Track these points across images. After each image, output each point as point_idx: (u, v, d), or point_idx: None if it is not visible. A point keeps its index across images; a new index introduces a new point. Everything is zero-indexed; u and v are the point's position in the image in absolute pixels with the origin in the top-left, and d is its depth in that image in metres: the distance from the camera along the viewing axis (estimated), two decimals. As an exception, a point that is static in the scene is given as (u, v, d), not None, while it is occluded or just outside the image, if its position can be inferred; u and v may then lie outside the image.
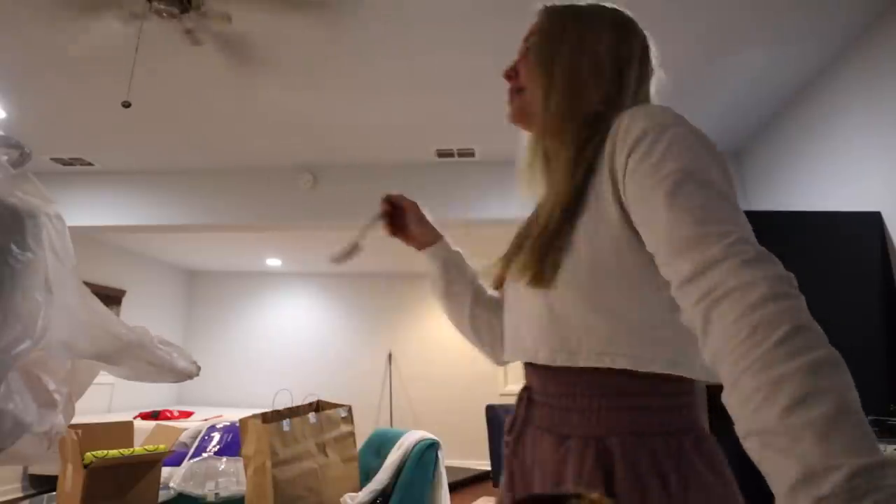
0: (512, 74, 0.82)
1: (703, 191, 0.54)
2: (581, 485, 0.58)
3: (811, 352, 0.43)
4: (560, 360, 0.65)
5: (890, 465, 0.38)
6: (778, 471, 0.41)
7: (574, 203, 0.66)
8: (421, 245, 0.96)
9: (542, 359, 0.67)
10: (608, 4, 0.79)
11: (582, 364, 0.63)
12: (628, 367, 0.62)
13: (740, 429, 0.45)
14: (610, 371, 0.63)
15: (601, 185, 0.64)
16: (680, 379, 0.63)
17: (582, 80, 0.73)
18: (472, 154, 3.76)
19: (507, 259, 0.77)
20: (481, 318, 0.91)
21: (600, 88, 0.73)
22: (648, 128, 0.59)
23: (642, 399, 0.63)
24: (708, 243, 0.51)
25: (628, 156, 0.60)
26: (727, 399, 0.47)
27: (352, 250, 0.88)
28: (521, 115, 0.82)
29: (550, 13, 0.80)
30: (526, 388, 0.76)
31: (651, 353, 0.62)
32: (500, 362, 0.89)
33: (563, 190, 0.68)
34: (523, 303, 0.72)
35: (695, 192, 0.54)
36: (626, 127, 0.62)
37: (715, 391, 0.51)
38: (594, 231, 0.63)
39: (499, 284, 0.83)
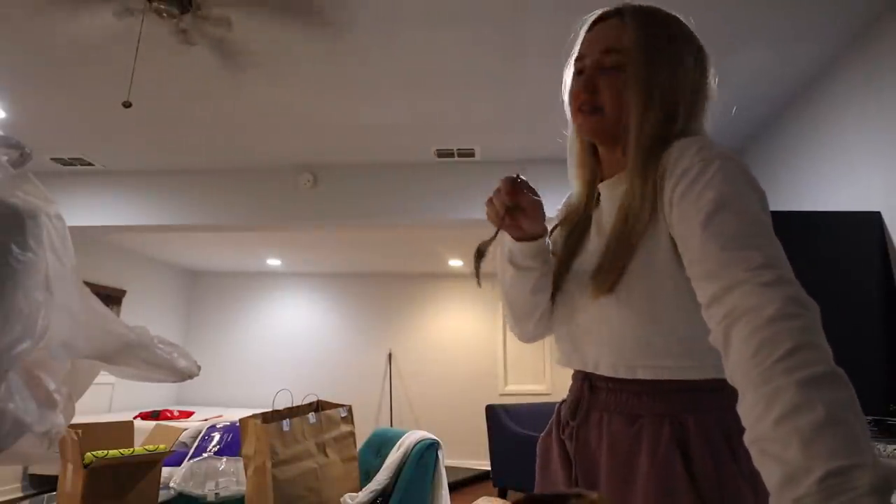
0: (590, 89, 0.76)
1: (737, 219, 0.58)
2: (657, 459, 0.64)
3: (808, 368, 0.46)
4: (621, 374, 0.70)
5: (868, 467, 0.40)
6: (769, 475, 0.45)
7: (646, 223, 0.69)
8: (528, 236, 0.78)
9: (602, 371, 0.72)
10: (680, 17, 0.81)
11: (640, 377, 0.69)
12: (683, 378, 0.68)
13: (746, 437, 0.49)
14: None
15: (661, 208, 0.68)
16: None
17: (676, 104, 0.73)
18: (472, 154, 3.76)
19: (565, 266, 0.81)
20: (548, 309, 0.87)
21: (685, 112, 0.73)
22: (696, 160, 0.64)
23: (701, 392, 0.69)
24: (733, 267, 0.55)
25: (675, 184, 0.65)
26: (739, 410, 0.51)
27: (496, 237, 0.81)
28: (594, 134, 0.79)
29: (641, 25, 0.76)
30: (584, 376, 0.77)
31: (700, 363, 0.68)
32: (532, 340, 0.90)
33: (638, 208, 0.69)
34: (582, 313, 0.76)
35: (729, 220, 0.58)
36: (677, 158, 0.66)
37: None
38: (654, 251, 0.68)
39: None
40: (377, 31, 2.49)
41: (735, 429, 0.63)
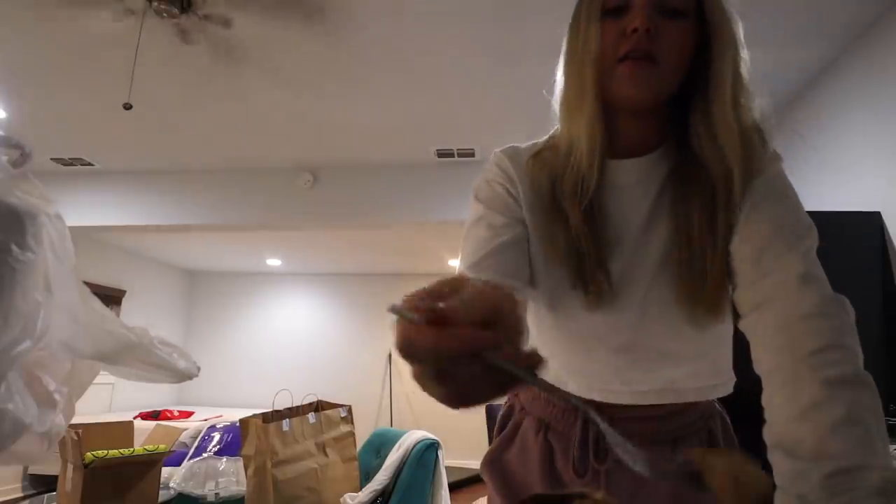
0: (650, 31, 0.55)
1: (782, 207, 0.60)
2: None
3: (835, 368, 0.45)
4: (668, 399, 0.66)
5: (878, 469, 0.39)
6: (779, 468, 0.45)
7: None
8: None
9: (649, 400, 0.65)
10: None
11: (689, 400, 0.67)
12: (721, 395, 0.69)
13: (766, 428, 0.48)
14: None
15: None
16: None
17: (746, 82, 0.61)
18: (472, 154, 3.76)
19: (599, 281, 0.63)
20: None
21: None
22: (786, 191, 0.62)
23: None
24: (774, 253, 0.55)
25: (756, 203, 0.59)
26: (763, 400, 0.50)
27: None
28: (643, 96, 0.59)
29: None
30: (598, 408, 0.65)
31: (730, 376, 0.68)
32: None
33: (733, 205, 0.58)
34: (660, 338, 0.64)
35: (777, 206, 0.60)
36: (771, 183, 0.61)
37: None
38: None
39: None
40: (377, 31, 2.49)
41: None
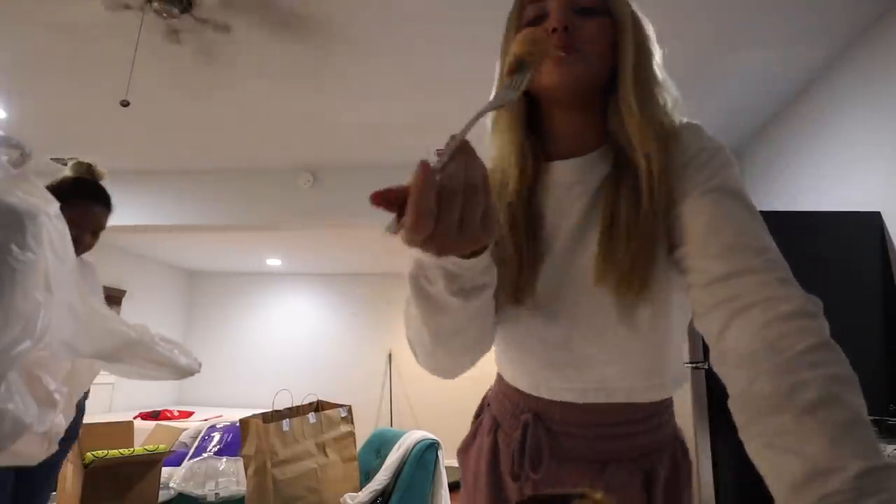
0: (567, 25, 0.60)
1: (747, 211, 0.56)
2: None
3: (834, 366, 0.44)
4: (601, 398, 0.65)
5: (895, 468, 0.39)
6: (781, 469, 0.42)
7: (664, 212, 0.60)
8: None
9: (620, 397, 0.65)
10: None
11: (662, 397, 0.68)
12: (656, 398, 0.68)
13: (747, 430, 0.46)
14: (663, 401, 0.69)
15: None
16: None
17: (657, 74, 0.65)
18: (472, 154, 3.76)
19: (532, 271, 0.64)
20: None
21: (668, 86, 0.65)
22: (706, 146, 0.61)
23: (672, 406, 0.71)
24: (747, 253, 0.53)
25: (684, 166, 0.60)
26: (736, 401, 0.48)
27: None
28: (571, 89, 0.61)
29: None
30: (536, 417, 0.66)
31: (670, 378, 0.68)
32: (453, 376, 0.67)
33: (657, 193, 0.59)
34: (590, 331, 0.63)
35: (740, 207, 0.56)
36: (688, 141, 0.61)
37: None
38: (665, 251, 0.61)
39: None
40: (377, 31, 2.49)
41: (684, 451, 0.70)
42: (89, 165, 1.52)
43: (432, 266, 0.49)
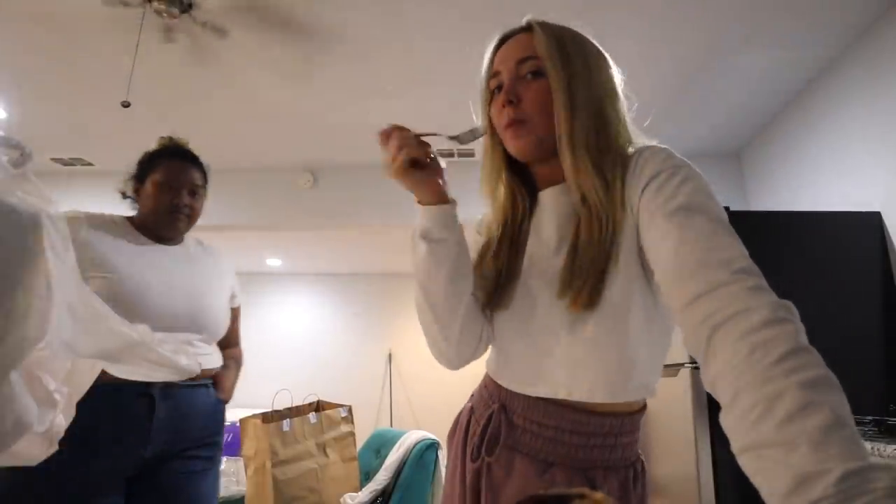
0: (514, 99, 0.72)
1: (711, 223, 0.58)
2: None
3: (808, 370, 0.45)
4: (598, 398, 0.69)
5: (880, 468, 0.39)
6: (772, 482, 0.43)
7: (616, 224, 0.66)
8: (439, 199, 0.75)
9: (577, 397, 0.69)
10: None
11: (621, 400, 0.69)
12: (645, 398, 0.72)
13: (736, 445, 0.47)
14: (631, 406, 0.71)
15: (629, 212, 0.67)
16: (643, 407, 0.74)
17: (603, 105, 0.71)
18: (472, 154, 3.76)
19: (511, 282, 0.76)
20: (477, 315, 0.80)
21: (615, 114, 0.72)
22: (663, 167, 0.64)
23: (636, 434, 0.73)
24: (715, 268, 0.54)
25: (644, 187, 0.65)
26: (724, 417, 0.49)
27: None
28: (529, 155, 0.74)
29: (551, 32, 0.74)
30: (501, 408, 0.74)
31: (657, 381, 0.71)
32: (456, 367, 0.85)
33: (607, 208, 0.66)
34: (547, 332, 0.71)
35: (704, 223, 0.58)
36: (644, 162, 0.66)
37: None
38: (629, 262, 0.66)
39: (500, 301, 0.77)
40: (377, 32, 2.49)
41: (635, 474, 0.71)
42: (171, 137, 1.55)
43: (418, 221, 0.73)
